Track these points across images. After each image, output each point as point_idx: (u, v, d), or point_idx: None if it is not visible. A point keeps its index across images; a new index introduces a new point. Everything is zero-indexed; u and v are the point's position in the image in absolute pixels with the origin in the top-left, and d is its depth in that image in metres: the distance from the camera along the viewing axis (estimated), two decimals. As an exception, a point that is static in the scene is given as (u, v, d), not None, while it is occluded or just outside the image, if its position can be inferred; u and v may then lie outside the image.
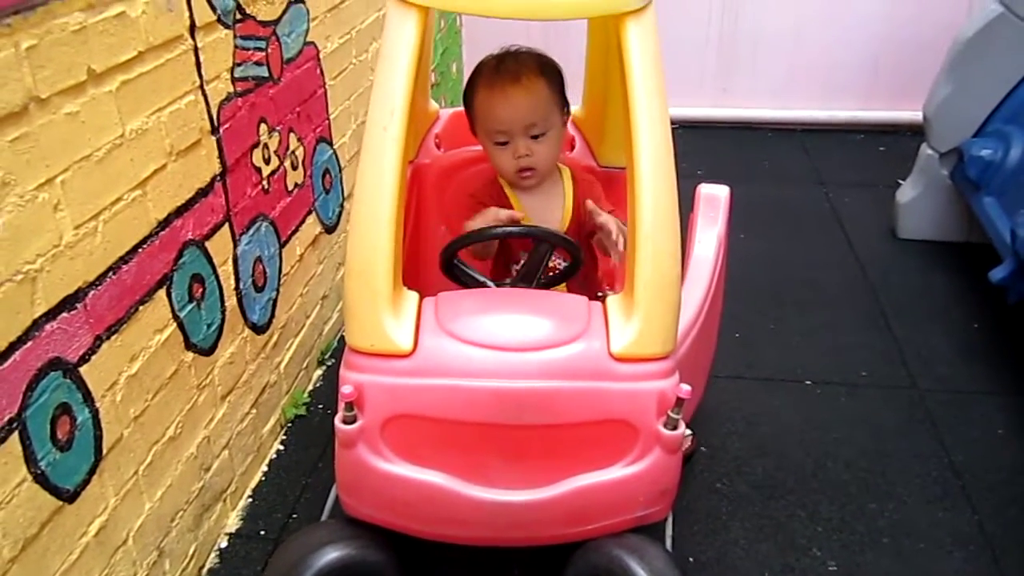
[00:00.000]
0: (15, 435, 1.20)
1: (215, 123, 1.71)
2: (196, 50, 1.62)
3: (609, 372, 1.38)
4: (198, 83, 1.64)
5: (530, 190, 1.77)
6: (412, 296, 1.45)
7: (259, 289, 1.95)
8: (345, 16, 2.37)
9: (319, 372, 2.38)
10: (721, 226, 1.85)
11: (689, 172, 3.04)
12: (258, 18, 1.86)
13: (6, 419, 1.19)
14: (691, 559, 1.79)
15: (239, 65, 1.78)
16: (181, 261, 1.61)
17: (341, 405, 1.39)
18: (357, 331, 1.40)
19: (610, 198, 1.81)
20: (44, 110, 1.22)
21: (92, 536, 1.39)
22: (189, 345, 1.66)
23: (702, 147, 3.69)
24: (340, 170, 2.43)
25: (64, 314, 1.29)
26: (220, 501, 1.85)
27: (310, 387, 2.32)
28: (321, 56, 2.22)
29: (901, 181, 3.12)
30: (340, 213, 2.45)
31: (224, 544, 1.85)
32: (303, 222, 2.19)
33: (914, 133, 3.53)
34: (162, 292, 1.56)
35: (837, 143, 3.86)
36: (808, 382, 2.33)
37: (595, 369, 1.38)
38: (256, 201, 1.90)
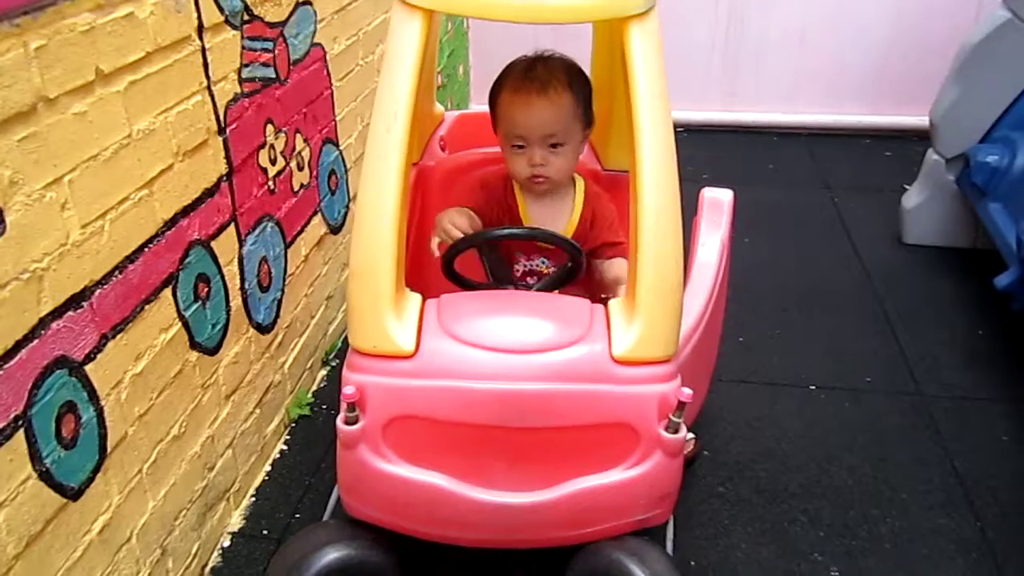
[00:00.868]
0: (20, 432, 1.21)
1: (222, 124, 1.72)
2: (204, 51, 1.63)
3: (610, 375, 1.39)
4: (205, 84, 1.64)
5: (539, 196, 1.77)
6: (415, 298, 1.46)
7: (264, 289, 1.96)
8: (352, 18, 2.38)
9: (323, 373, 2.39)
10: (725, 230, 1.85)
11: (695, 176, 3.05)
12: (266, 19, 1.87)
13: (12, 416, 1.20)
14: (692, 563, 1.79)
15: (246, 66, 1.79)
16: (187, 261, 1.62)
17: (343, 406, 1.40)
18: (360, 332, 1.41)
19: (614, 202, 1.81)
20: (52, 110, 1.23)
21: (96, 534, 1.40)
22: (194, 344, 1.67)
23: (708, 151, 3.69)
24: (346, 171, 2.44)
25: (70, 313, 1.30)
26: (223, 500, 1.86)
27: (314, 387, 2.33)
28: (328, 57, 2.23)
29: (907, 186, 3.12)
30: (345, 214, 2.46)
31: (227, 543, 1.86)
32: (308, 223, 2.20)
33: (920, 138, 3.51)
34: (168, 291, 1.57)
35: (843, 148, 3.86)
36: (812, 387, 2.33)
37: (597, 372, 1.39)
38: (262, 201, 1.91)
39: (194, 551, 1.74)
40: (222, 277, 1.76)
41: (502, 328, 1.42)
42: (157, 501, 1.59)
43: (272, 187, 1.96)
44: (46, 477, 1.27)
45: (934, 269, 2.88)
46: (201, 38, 1.61)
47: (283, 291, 2.07)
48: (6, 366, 1.18)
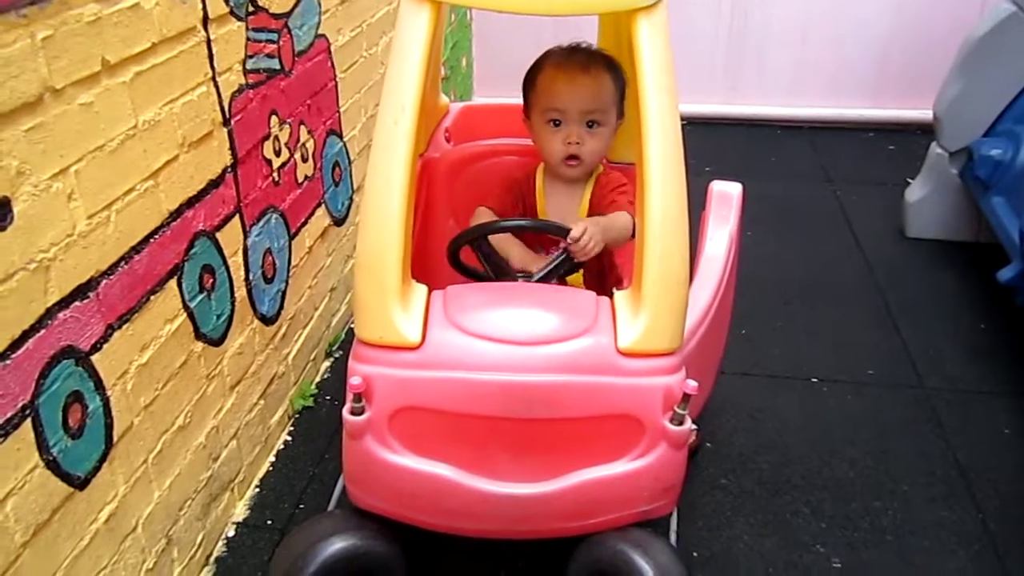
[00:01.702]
0: (28, 422, 1.22)
1: (227, 115, 1.72)
2: (209, 42, 1.63)
3: (616, 367, 1.39)
4: (210, 75, 1.64)
5: (557, 187, 1.78)
6: (421, 289, 1.46)
7: (268, 280, 1.96)
8: (356, 9, 2.37)
9: (327, 364, 2.39)
10: (733, 224, 1.85)
11: (698, 169, 3.04)
12: (270, 11, 1.87)
13: (19, 406, 1.20)
14: (695, 554, 1.80)
15: (251, 57, 1.79)
16: (192, 252, 1.62)
17: (349, 396, 1.40)
18: (366, 323, 1.41)
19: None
20: (59, 100, 1.23)
21: (102, 523, 1.41)
22: (199, 335, 1.68)
23: (710, 144, 3.69)
24: (350, 163, 2.44)
25: (77, 303, 1.30)
26: (228, 490, 1.87)
27: (318, 379, 2.33)
28: (332, 49, 2.23)
29: (910, 180, 3.11)
30: (349, 206, 2.46)
31: (231, 533, 1.87)
32: (313, 214, 2.20)
33: (924, 132, 3.52)
34: (173, 282, 1.57)
35: (846, 141, 3.86)
36: (814, 380, 2.34)
37: (602, 364, 1.39)
38: (266, 193, 1.91)
39: (199, 541, 1.75)
40: (227, 268, 1.76)
41: (508, 320, 1.42)
42: (162, 491, 1.59)
43: (276, 179, 1.96)
44: (53, 466, 1.28)
45: (937, 263, 2.88)
46: (206, 29, 1.61)
47: (287, 282, 2.07)
48: (13, 356, 1.18)
